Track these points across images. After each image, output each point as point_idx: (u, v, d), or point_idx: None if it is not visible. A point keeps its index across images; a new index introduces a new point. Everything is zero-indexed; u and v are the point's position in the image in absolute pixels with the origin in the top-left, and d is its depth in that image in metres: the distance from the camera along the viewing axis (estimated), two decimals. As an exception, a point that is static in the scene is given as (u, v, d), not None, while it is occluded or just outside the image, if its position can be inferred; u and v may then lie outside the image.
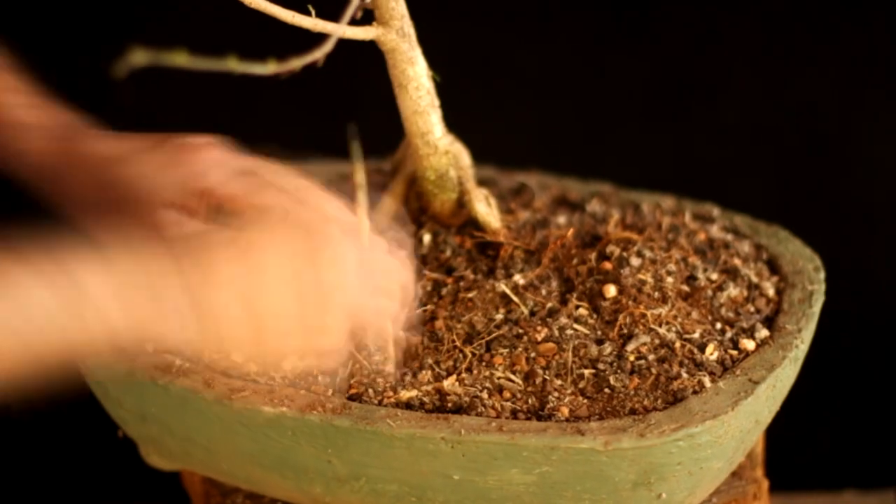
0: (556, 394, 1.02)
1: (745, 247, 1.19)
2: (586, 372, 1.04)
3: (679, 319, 1.08)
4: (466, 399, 1.02)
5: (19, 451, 1.88)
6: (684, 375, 1.03)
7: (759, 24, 1.87)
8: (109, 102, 1.07)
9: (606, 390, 1.03)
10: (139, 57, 0.76)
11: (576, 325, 1.07)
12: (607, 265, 1.11)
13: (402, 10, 1.06)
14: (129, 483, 1.77)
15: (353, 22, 1.00)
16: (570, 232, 1.15)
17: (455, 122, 1.15)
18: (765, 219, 1.24)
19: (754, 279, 1.14)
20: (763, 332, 1.09)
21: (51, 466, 1.89)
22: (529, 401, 1.02)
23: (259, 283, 0.89)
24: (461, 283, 1.11)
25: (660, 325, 1.07)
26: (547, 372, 1.04)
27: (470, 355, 1.06)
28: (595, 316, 1.08)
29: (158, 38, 0.89)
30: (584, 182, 1.30)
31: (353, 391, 1.04)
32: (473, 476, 1.00)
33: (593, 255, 1.12)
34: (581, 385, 1.03)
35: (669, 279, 1.11)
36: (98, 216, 1.00)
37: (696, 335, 1.07)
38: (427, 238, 1.16)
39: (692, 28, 1.88)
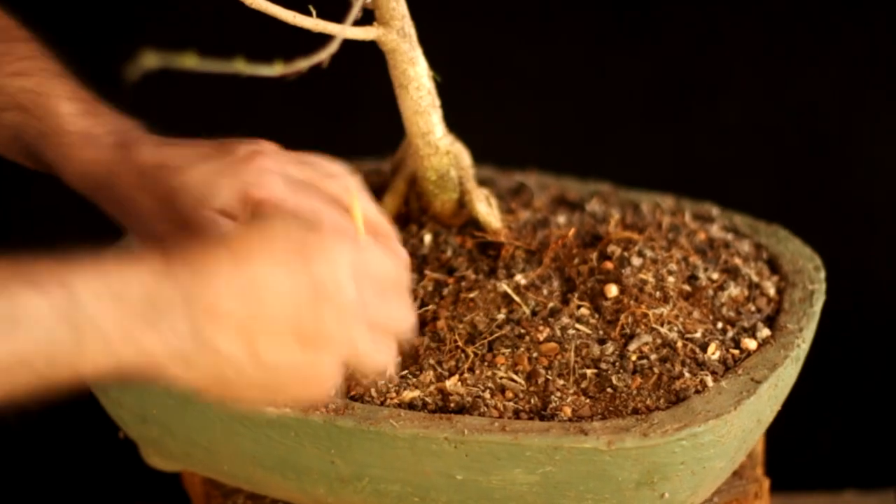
0: (558, 394, 1.02)
1: (746, 246, 1.19)
2: (588, 372, 1.04)
3: (681, 319, 1.08)
4: (469, 399, 1.02)
5: (19, 452, 1.88)
6: (686, 375, 1.03)
7: (759, 24, 1.87)
8: (109, 102, 1.06)
9: (609, 390, 1.03)
10: (150, 60, 0.76)
11: (578, 325, 1.07)
12: (608, 265, 1.11)
13: (402, 10, 1.06)
14: (130, 484, 1.77)
15: (354, 22, 1.00)
16: (571, 232, 1.15)
17: (455, 122, 1.15)
18: (766, 219, 1.24)
19: (755, 278, 1.14)
20: (764, 332, 1.09)
21: (51, 467, 1.89)
22: (532, 401, 1.02)
23: (261, 324, 0.87)
24: (462, 284, 1.11)
25: (661, 325, 1.07)
26: (549, 372, 1.04)
27: (472, 355, 1.05)
28: (597, 316, 1.08)
29: (158, 39, 0.89)
30: (583, 182, 1.30)
31: (354, 392, 1.04)
32: (477, 476, 1.00)
33: (594, 255, 1.12)
34: (583, 385, 1.03)
35: (671, 279, 1.11)
36: (149, 225, 1.00)
37: (698, 335, 1.07)
38: (428, 238, 1.16)
39: (692, 28, 1.88)
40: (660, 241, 1.14)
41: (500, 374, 1.04)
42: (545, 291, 1.10)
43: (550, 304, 1.09)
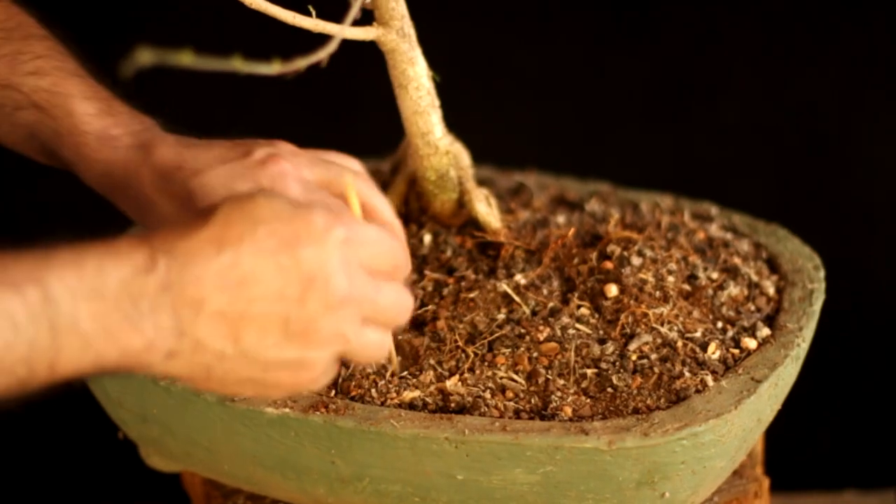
0: (558, 393, 1.02)
1: (745, 245, 1.19)
2: (589, 371, 1.04)
3: (681, 318, 1.08)
4: (469, 399, 1.02)
5: (19, 451, 1.88)
6: (687, 374, 1.03)
7: (759, 24, 1.87)
8: (125, 100, 1.07)
9: (609, 390, 1.03)
10: (145, 57, 0.75)
11: (578, 325, 1.07)
12: (608, 265, 1.11)
13: (402, 10, 1.06)
14: (130, 484, 1.77)
15: (354, 22, 1.00)
16: (571, 231, 1.15)
17: (455, 122, 1.15)
18: (765, 219, 1.24)
19: (754, 278, 1.14)
20: (764, 331, 1.09)
21: (51, 467, 1.89)
22: (532, 400, 1.02)
23: (247, 318, 0.85)
24: (462, 284, 1.11)
25: (661, 325, 1.07)
26: (549, 372, 1.04)
27: (472, 355, 1.05)
28: (597, 315, 1.08)
29: (158, 38, 0.89)
30: (582, 181, 1.30)
31: (354, 392, 1.04)
32: (477, 476, 1.00)
33: (594, 255, 1.12)
34: (584, 385, 1.03)
35: (670, 278, 1.11)
36: (167, 226, 1.00)
37: (698, 334, 1.07)
38: (427, 238, 1.16)
39: (692, 28, 1.88)
40: (659, 240, 1.14)
41: (501, 373, 1.04)
42: (545, 291, 1.10)
43: (550, 304, 1.09)
